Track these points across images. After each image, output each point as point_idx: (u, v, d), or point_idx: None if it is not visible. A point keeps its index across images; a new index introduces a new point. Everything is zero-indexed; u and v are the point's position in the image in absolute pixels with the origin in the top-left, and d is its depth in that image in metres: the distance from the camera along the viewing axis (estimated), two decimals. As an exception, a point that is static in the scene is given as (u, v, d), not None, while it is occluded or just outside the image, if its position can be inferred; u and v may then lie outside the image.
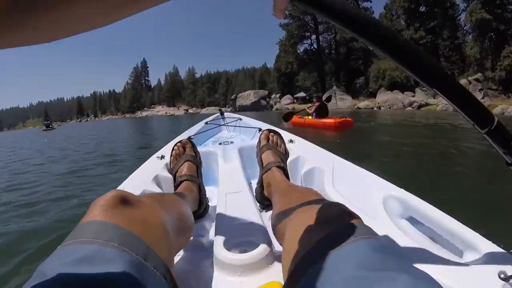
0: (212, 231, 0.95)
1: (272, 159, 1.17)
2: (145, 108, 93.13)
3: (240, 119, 2.93)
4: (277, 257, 0.72)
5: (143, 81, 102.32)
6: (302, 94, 44.95)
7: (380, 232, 0.67)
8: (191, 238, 0.92)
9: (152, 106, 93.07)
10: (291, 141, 1.55)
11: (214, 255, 0.74)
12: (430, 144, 6.00)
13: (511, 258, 0.58)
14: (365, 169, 1.09)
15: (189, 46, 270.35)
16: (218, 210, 0.97)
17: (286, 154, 1.30)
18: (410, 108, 26.48)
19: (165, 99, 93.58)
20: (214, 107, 61.12)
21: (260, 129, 2.07)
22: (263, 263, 0.70)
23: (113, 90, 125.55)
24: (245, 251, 0.73)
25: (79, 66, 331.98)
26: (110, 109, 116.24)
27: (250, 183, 1.38)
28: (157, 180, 1.22)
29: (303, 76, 48.24)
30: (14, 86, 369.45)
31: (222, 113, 3.33)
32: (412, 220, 0.82)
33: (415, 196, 0.84)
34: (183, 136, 2.11)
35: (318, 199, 0.64)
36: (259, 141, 1.32)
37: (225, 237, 0.79)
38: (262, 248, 0.72)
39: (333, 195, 0.94)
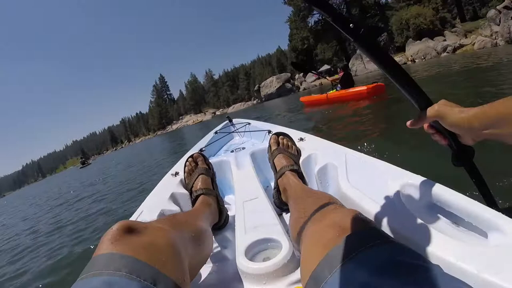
0: (234, 241, 0.95)
1: (285, 162, 1.17)
2: (174, 122, 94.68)
3: (249, 123, 2.91)
4: (300, 261, 0.70)
5: (166, 96, 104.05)
6: (326, 67, 42.87)
7: (399, 223, 0.70)
8: (214, 250, 1.00)
9: (180, 117, 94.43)
10: (301, 139, 1.52)
11: (237, 266, 0.75)
12: (467, 94, 5.03)
13: None
14: (379, 158, 1.06)
15: (200, 50, 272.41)
16: (236, 219, 0.98)
17: (298, 154, 1.30)
18: (445, 53, 24.62)
19: (191, 108, 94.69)
20: (240, 103, 60.93)
21: (269, 131, 2.05)
22: (287, 269, 0.71)
23: (140, 112, 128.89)
24: (268, 259, 0.74)
25: (102, 98, 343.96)
26: (141, 131, 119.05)
27: (267, 186, 1.43)
28: (173, 198, 1.23)
29: (322, 48, 46.29)
30: (46, 133, 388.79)
31: (230, 120, 3.33)
32: (432, 206, 0.79)
33: (431, 181, 0.81)
34: (194, 149, 2.13)
35: (333, 206, 0.66)
36: (269, 146, 1.32)
37: (246, 246, 0.79)
38: (284, 254, 0.72)
39: (349, 191, 0.92)
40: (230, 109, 58.78)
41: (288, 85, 42.06)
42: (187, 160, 1.36)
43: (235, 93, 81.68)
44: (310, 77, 41.77)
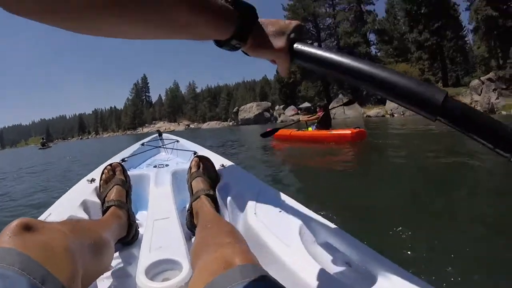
0: (138, 259, 0.95)
1: (202, 186, 1.21)
2: (146, 125, 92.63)
3: (178, 141, 2.90)
4: None
5: (144, 97, 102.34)
6: (306, 104, 43.41)
7: (293, 259, 0.73)
8: (117, 265, 0.99)
9: (154, 122, 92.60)
10: (222, 165, 1.54)
11: (136, 283, 0.76)
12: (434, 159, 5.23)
13: (423, 286, 0.59)
14: (288, 194, 1.14)
15: (189, 61, 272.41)
16: (144, 237, 0.98)
17: (216, 180, 1.34)
18: (425, 113, 25.27)
19: (166, 115, 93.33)
20: (216, 121, 60.36)
21: (195, 153, 2.02)
22: None
23: (114, 106, 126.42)
24: (168, 279, 0.76)
25: (80, 83, 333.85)
26: (111, 126, 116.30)
27: (184, 207, 1.43)
28: (84, 205, 1.19)
29: (306, 85, 46.90)
30: (15, 103, 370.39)
31: (160, 134, 3.31)
32: (328, 246, 0.85)
33: (330, 222, 0.89)
34: (117, 158, 2.01)
35: (229, 240, 0.69)
36: (190, 168, 1.36)
37: (147, 265, 0.80)
38: (183, 276, 0.74)
39: (254, 222, 0.96)
40: (205, 125, 58.10)
41: (267, 114, 41.84)
42: (105, 168, 1.34)
43: (213, 110, 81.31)
44: (290, 110, 42.06)
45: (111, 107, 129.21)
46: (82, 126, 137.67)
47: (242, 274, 0.51)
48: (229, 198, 1.23)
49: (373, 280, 0.67)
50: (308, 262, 0.71)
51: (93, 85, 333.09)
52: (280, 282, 0.65)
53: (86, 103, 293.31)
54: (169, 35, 0.45)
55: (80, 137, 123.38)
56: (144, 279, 0.74)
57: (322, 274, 0.65)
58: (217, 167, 1.46)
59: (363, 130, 7.53)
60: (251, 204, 1.09)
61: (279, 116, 41.23)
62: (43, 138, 45.05)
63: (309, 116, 8.90)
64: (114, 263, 0.95)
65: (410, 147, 7.26)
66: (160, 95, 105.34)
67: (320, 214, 0.94)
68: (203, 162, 1.37)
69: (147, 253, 0.85)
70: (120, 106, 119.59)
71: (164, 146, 2.91)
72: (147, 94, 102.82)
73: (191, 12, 0.43)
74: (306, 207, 1.01)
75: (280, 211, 1.01)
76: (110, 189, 1.21)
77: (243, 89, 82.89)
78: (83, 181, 1.43)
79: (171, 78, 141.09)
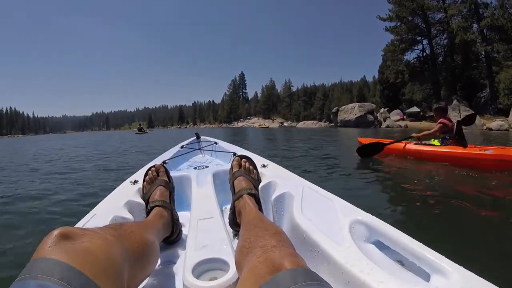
0: (183, 258, 0.96)
1: (244, 185, 1.21)
2: (241, 119, 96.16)
3: (216, 143, 2.93)
4: None
5: (241, 93, 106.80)
6: (415, 109, 40.32)
7: (345, 257, 0.71)
8: (161, 264, 1.01)
9: (248, 117, 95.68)
10: (263, 165, 1.56)
11: (182, 282, 0.75)
12: None
13: (478, 281, 0.58)
14: (334, 193, 1.12)
15: (286, 59, 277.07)
16: (189, 236, 0.98)
17: (258, 179, 1.35)
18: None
19: (260, 111, 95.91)
20: (312, 121, 59.76)
21: (235, 154, 2.03)
22: None
23: (212, 100, 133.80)
24: (215, 278, 0.75)
25: (182, 78, 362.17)
26: (208, 118, 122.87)
27: (225, 208, 1.47)
28: (128, 205, 1.22)
29: (411, 88, 43.22)
30: (122, 91, 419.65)
31: (198, 137, 3.33)
32: (379, 244, 0.83)
33: (381, 221, 0.86)
34: (158, 160, 2.09)
35: (274, 242, 0.67)
36: (231, 168, 1.36)
37: (194, 264, 0.80)
38: (231, 276, 0.73)
39: (301, 221, 0.95)
40: (301, 124, 58.02)
41: (370, 117, 38.77)
42: (149, 169, 1.37)
43: (308, 110, 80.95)
44: (394, 115, 39.39)
45: (209, 101, 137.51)
46: (181, 116, 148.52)
47: (291, 279, 0.49)
48: (272, 197, 1.23)
49: (427, 278, 0.66)
50: (362, 261, 0.69)
51: (194, 80, 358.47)
52: (333, 282, 0.63)
53: (187, 95, 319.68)
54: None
55: (179, 126, 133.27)
56: (191, 277, 0.73)
57: (375, 273, 0.64)
58: (258, 167, 1.47)
59: None
60: (296, 203, 1.09)
61: (384, 121, 37.98)
62: (140, 124, 49.91)
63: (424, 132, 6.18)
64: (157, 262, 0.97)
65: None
66: (256, 92, 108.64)
67: (369, 212, 0.92)
68: (245, 162, 1.38)
69: (192, 252, 0.86)
70: (217, 100, 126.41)
71: (203, 149, 2.95)
72: (244, 90, 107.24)
73: None
74: (355, 205, 0.99)
75: (328, 209, 1.00)
76: (154, 190, 1.24)
77: (339, 89, 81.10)
78: (126, 183, 1.48)
79: (268, 76, 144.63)
